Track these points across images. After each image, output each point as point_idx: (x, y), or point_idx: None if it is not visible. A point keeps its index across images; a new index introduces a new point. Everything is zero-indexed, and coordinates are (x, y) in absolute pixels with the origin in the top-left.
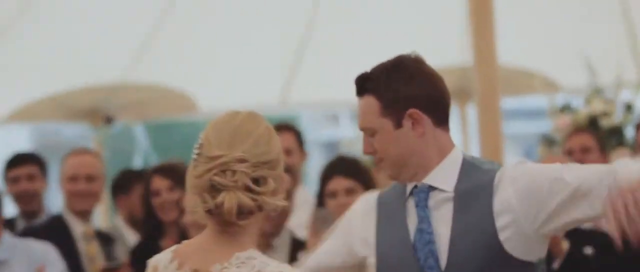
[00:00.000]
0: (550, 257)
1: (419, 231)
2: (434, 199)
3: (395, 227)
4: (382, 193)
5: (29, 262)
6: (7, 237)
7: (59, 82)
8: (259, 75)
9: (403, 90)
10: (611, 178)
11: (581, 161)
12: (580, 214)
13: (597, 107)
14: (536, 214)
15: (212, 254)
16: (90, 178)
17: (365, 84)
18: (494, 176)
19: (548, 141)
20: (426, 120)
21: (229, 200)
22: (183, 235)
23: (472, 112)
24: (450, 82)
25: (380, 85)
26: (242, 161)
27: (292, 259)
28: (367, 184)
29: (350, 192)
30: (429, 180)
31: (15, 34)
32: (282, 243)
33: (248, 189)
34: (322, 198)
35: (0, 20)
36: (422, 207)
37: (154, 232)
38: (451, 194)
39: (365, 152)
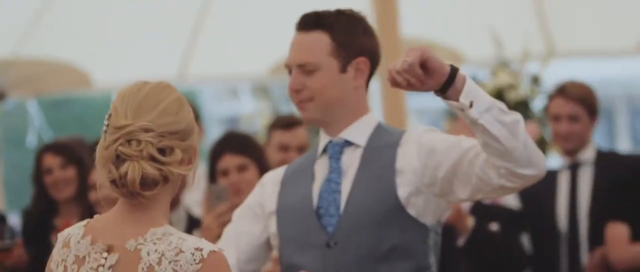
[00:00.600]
0: (455, 234)
1: (328, 180)
2: (347, 153)
3: (300, 182)
4: (291, 164)
5: None
6: None
7: None
8: (156, 48)
9: (360, 38)
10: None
11: None
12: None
13: (503, 79)
14: (433, 174)
15: (126, 229)
16: None
17: (320, 19)
18: (401, 136)
19: (453, 115)
20: (366, 74)
21: (131, 170)
22: (85, 212)
23: (375, 86)
24: None
25: (337, 26)
26: (147, 130)
27: None
28: (259, 160)
29: (242, 169)
30: (345, 135)
31: None
32: (178, 220)
33: (153, 159)
34: (213, 176)
35: None
36: (336, 159)
37: (47, 211)
38: (362, 149)
39: (294, 88)
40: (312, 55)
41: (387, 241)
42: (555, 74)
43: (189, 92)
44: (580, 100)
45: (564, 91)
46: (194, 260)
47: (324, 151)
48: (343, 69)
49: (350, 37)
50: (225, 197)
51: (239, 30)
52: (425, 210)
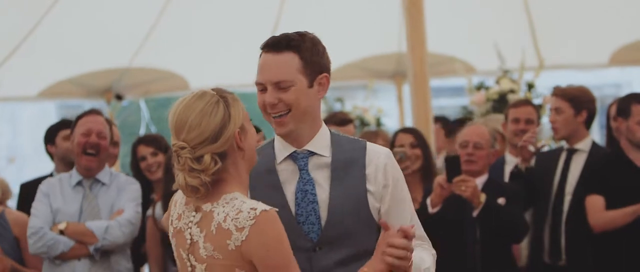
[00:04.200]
0: (471, 207)
1: (302, 191)
2: (312, 163)
3: (269, 188)
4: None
5: (119, 187)
6: (107, 167)
7: (79, 66)
8: (239, 56)
9: (321, 57)
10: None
11: (523, 130)
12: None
13: (505, 86)
14: (383, 199)
15: (206, 196)
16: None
17: (289, 42)
18: (364, 153)
19: (467, 112)
20: (327, 87)
21: (181, 181)
22: (167, 189)
23: (406, 90)
24: (389, 66)
25: (304, 47)
26: (183, 148)
27: None
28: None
29: None
30: (310, 146)
31: (44, 28)
32: None
33: (191, 169)
34: None
35: (32, 17)
36: (307, 170)
37: (145, 188)
38: (328, 160)
39: (271, 103)
40: (286, 74)
41: (363, 244)
42: (545, 82)
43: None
44: (563, 97)
45: (554, 90)
46: (249, 216)
47: (288, 157)
48: (310, 85)
49: (314, 57)
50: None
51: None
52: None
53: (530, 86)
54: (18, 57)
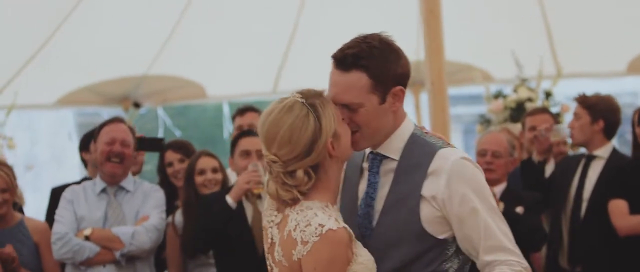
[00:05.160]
0: None
1: (366, 194)
2: (384, 166)
3: (350, 187)
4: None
5: (144, 194)
6: (130, 175)
7: (97, 74)
8: (256, 68)
9: (393, 69)
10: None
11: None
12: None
13: (523, 94)
14: (448, 222)
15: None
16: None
17: (357, 60)
18: (431, 159)
19: (484, 121)
20: (403, 98)
21: (272, 190)
22: (196, 193)
23: (424, 98)
24: None
25: (373, 64)
26: (274, 161)
27: None
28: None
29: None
30: (382, 149)
31: (61, 36)
32: (266, 194)
33: (284, 183)
34: None
35: (49, 25)
36: (374, 173)
37: (170, 194)
38: (396, 164)
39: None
40: (354, 96)
41: (410, 254)
42: (563, 90)
43: None
44: (582, 104)
45: (577, 97)
46: (315, 232)
47: (367, 157)
48: (382, 101)
49: (385, 71)
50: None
51: (325, 48)
52: (442, 231)
53: (548, 94)
54: (35, 65)
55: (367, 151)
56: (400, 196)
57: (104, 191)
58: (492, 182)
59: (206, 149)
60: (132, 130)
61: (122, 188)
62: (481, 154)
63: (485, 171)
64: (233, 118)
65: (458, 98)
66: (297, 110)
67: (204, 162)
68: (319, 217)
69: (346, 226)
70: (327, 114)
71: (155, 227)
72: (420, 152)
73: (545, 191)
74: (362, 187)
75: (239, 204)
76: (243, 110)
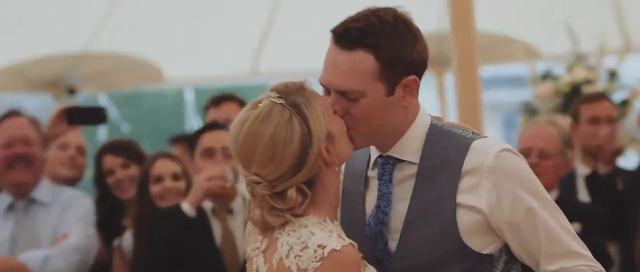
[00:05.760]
0: None
1: (376, 208)
2: (399, 172)
3: (352, 201)
4: (351, 158)
5: (64, 205)
6: (46, 182)
7: (18, 52)
8: (229, 43)
9: (408, 52)
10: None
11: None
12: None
13: (580, 74)
14: (498, 233)
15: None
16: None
17: (363, 37)
18: (465, 154)
19: (529, 110)
20: (417, 91)
21: (253, 216)
22: (151, 207)
23: (450, 81)
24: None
25: (383, 43)
26: (257, 182)
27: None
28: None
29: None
30: (394, 152)
31: None
32: (239, 208)
33: (272, 208)
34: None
35: None
36: (385, 182)
37: (114, 211)
38: (416, 169)
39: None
40: (355, 82)
41: None
42: (633, 69)
43: (262, 87)
44: None
45: None
46: (315, 257)
47: (375, 162)
48: (390, 92)
49: (397, 55)
50: None
51: (311, 26)
52: (488, 243)
53: (613, 75)
54: None
55: (374, 154)
56: (428, 206)
57: (11, 207)
58: None
59: (164, 151)
60: (35, 122)
61: (35, 201)
62: (525, 153)
63: None
64: (205, 110)
65: (493, 80)
66: (276, 117)
67: (162, 167)
68: (317, 237)
69: (353, 242)
70: (315, 113)
71: (75, 247)
72: (447, 147)
73: (620, 208)
74: (370, 200)
75: (203, 219)
76: (219, 99)
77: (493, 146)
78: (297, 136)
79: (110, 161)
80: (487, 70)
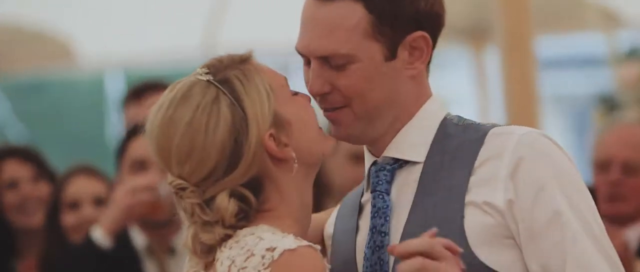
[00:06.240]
0: None
1: (370, 231)
2: (400, 178)
3: (344, 238)
4: (349, 193)
5: None
6: None
7: None
8: (153, 11)
9: (411, 1)
10: None
11: None
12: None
13: None
14: (514, 224)
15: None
16: None
17: None
18: (481, 143)
19: (607, 102)
20: (428, 54)
21: (186, 241)
22: (56, 243)
23: (491, 58)
24: (461, 19)
25: None
26: (182, 188)
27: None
28: None
29: None
30: (393, 148)
31: None
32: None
33: (204, 223)
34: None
35: None
36: (381, 193)
37: (8, 243)
38: (420, 169)
39: (317, 91)
40: (339, 42)
41: None
42: None
43: None
44: None
45: None
46: (263, 263)
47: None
48: (390, 55)
49: (397, 4)
50: None
51: None
52: (510, 262)
53: None
54: None
55: (368, 164)
56: (431, 213)
57: None
58: (622, 220)
59: (83, 164)
60: None
61: None
62: (602, 165)
63: (609, 197)
64: (123, 106)
65: (556, 59)
66: (197, 97)
67: (79, 188)
68: (267, 240)
69: (315, 245)
70: (253, 90)
71: None
72: (460, 141)
73: None
74: (364, 228)
75: (128, 254)
76: (139, 91)
77: (516, 131)
78: (225, 120)
79: (15, 169)
80: (546, 45)
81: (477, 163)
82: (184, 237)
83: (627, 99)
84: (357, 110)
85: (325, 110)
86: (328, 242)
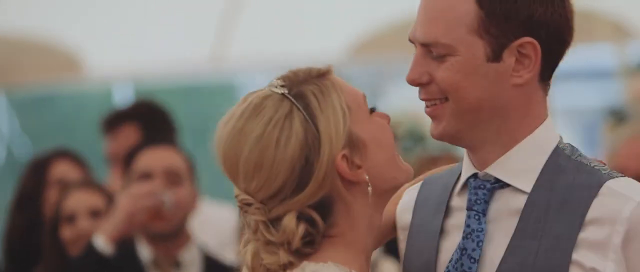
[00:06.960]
0: None
1: (460, 251)
2: (500, 201)
3: (423, 242)
4: (431, 177)
5: None
6: None
7: None
8: (178, 21)
9: (527, 5)
10: None
11: None
12: None
13: None
14: None
15: None
16: None
17: None
18: (594, 195)
19: (617, 115)
20: (536, 64)
21: (246, 256)
22: (61, 257)
23: None
24: None
25: None
26: (247, 203)
27: None
28: None
29: None
30: (496, 169)
31: None
32: (191, 260)
33: (267, 242)
34: None
35: None
36: (477, 213)
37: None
38: (524, 199)
39: (413, 79)
40: (441, 30)
41: None
42: None
43: (226, 81)
44: None
45: None
46: None
47: (465, 183)
48: (494, 56)
49: (510, 5)
50: None
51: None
52: None
53: None
54: None
55: (466, 173)
56: (532, 259)
57: None
58: None
59: (82, 177)
60: None
61: None
62: None
63: None
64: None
65: (566, 72)
66: (270, 110)
67: (75, 201)
68: None
69: None
70: (330, 108)
71: None
72: (572, 182)
73: None
74: (450, 241)
75: (132, 262)
76: (113, 121)
77: (636, 192)
78: (297, 137)
79: (64, 169)
80: None
81: (588, 217)
82: (241, 248)
83: (637, 112)
84: (454, 107)
85: (425, 103)
86: (401, 235)
